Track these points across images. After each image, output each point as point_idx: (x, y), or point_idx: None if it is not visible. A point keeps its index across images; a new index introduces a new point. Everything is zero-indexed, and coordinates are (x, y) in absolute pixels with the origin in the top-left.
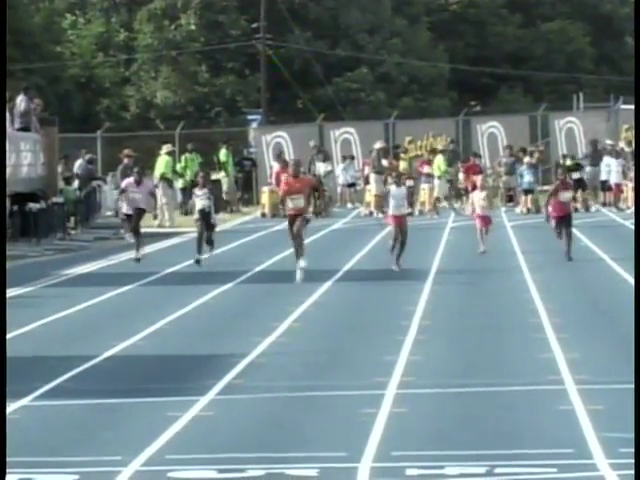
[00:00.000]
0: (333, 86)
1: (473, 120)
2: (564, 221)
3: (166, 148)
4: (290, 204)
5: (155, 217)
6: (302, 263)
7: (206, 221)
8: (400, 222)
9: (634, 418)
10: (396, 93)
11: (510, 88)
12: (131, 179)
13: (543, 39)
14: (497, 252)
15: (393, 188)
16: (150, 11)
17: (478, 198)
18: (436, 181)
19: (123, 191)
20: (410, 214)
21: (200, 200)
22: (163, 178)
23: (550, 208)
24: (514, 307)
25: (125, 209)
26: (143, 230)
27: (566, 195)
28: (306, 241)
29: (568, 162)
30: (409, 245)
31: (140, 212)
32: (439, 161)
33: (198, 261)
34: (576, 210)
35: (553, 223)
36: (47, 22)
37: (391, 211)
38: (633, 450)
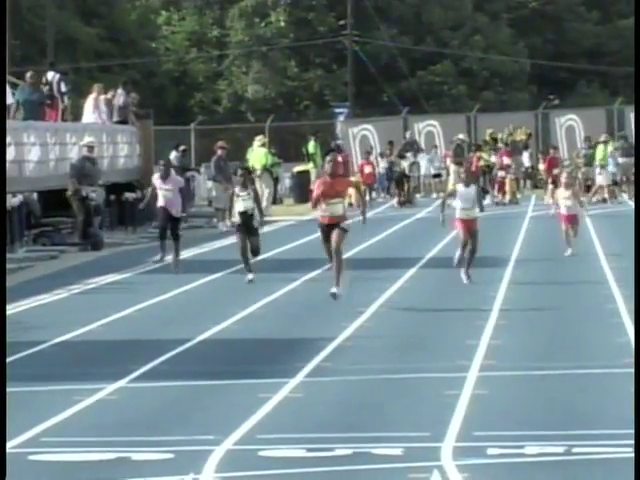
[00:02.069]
0: (416, 79)
1: (552, 113)
2: None
3: (259, 141)
4: (326, 210)
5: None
6: (336, 289)
7: (248, 226)
8: (468, 227)
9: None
10: (477, 87)
11: (587, 82)
12: (157, 175)
13: (619, 35)
14: (575, 240)
15: (460, 187)
16: (241, 8)
17: (562, 197)
18: (597, 170)
19: (154, 189)
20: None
21: (242, 201)
22: (265, 169)
23: None
24: (591, 293)
25: (160, 202)
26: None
27: None
28: (390, 231)
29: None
30: (490, 236)
31: (175, 218)
32: (600, 150)
33: (251, 281)
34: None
35: None
36: (143, 19)
37: (457, 214)
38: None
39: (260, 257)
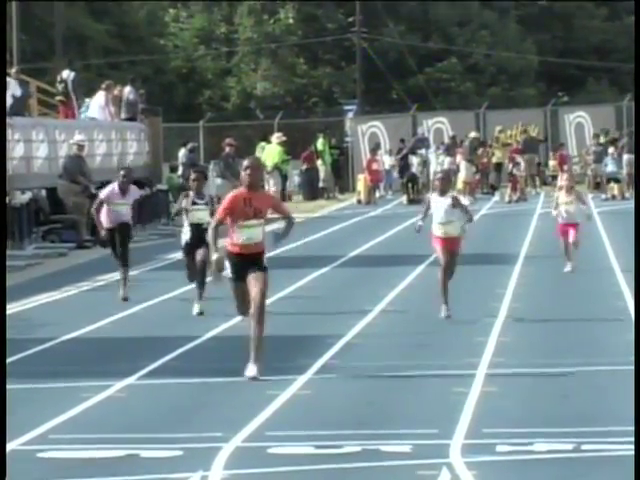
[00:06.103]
0: (424, 76)
1: (561, 110)
2: None
3: (277, 138)
4: (239, 235)
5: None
6: (254, 369)
7: (200, 240)
8: (448, 247)
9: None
10: (485, 83)
11: (596, 79)
12: (115, 187)
13: (628, 32)
14: (583, 237)
15: (434, 196)
16: (250, 5)
17: (563, 201)
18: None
19: (102, 203)
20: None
21: (197, 211)
22: (276, 167)
23: None
24: (600, 290)
25: (106, 223)
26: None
27: None
28: (398, 228)
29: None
30: (499, 233)
31: (126, 229)
32: None
33: (201, 313)
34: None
35: None
36: (151, 16)
37: (434, 230)
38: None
39: (269, 254)
